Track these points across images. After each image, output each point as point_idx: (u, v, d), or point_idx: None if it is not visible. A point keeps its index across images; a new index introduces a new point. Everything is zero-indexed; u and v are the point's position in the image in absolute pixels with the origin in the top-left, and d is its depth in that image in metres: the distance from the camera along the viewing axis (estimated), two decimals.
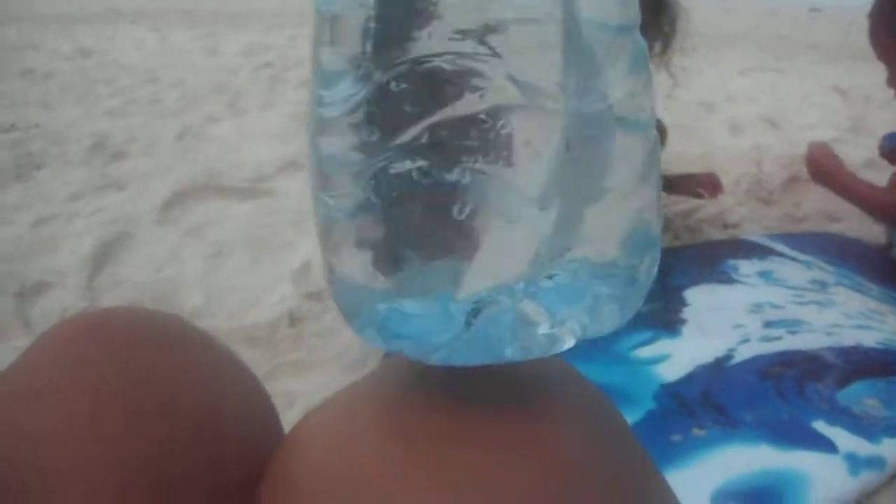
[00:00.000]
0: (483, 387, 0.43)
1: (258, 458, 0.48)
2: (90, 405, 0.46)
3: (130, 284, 2.00)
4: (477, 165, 0.36)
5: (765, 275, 1.86)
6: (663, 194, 2.26)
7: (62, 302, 1.89)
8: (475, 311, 0.38)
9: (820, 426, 1.39)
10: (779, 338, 1.62)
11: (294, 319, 1.81)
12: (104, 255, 2.12)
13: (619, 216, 0.40)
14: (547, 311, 0.39)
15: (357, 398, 0.45)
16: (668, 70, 2.04)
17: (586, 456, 0.40)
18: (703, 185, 2.27)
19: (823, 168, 2.14)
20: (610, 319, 0.42)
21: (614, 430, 0.45)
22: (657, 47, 1.98)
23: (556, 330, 0.40)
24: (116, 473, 0.44)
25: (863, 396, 1.48)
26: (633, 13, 0.40)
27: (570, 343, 0.41)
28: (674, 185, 2.26)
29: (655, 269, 0.44)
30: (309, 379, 1.62)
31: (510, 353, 0.39)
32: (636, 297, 0.43)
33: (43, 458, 0.43)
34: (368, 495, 0.38)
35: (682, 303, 1.75)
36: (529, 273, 0.37)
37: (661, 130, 2.19)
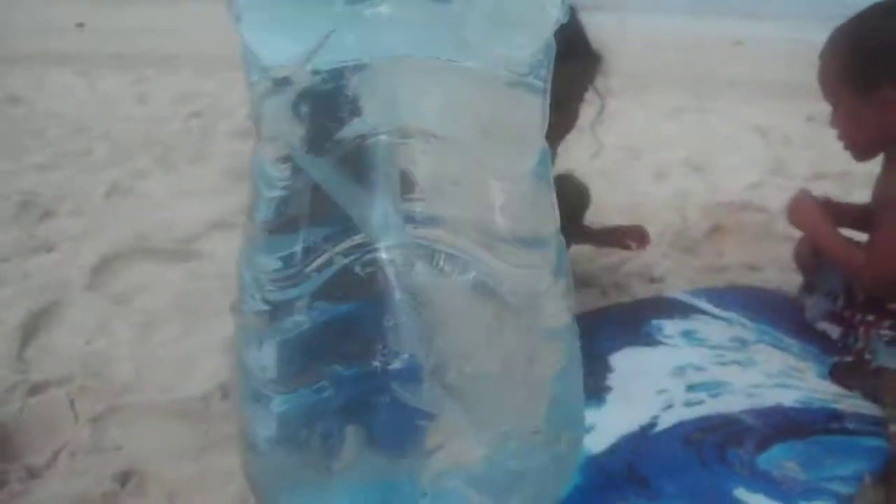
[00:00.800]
0: None
1: None
2: None
3: (61, 357, 1.98)
4: None
5: (687, 334, 1.89)
6: (590, 248, 2.30)
7: None
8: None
9: (740, 493, 1.42)
10: (701, 402, 1.65)
11: (227, 391, 1.81)
12: (33, 326, 2.10)
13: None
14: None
15: None
16: (592, 130, 2.06)
17: None
18: (630, 236, 2.30)
19: (806, 219, 2.10)
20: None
21: None
22: (580, 94, 1.99)
23: None
24: None
25: (782, 459, 1.51)
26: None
27: None
28: (601, 238, 2.29)
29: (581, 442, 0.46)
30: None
31: None
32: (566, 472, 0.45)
33: None
34: None
35: (608, 369, 1.77)
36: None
37: (585, 193, 2.23)
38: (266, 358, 0.41)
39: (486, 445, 0.41)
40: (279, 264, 0.39)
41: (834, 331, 1.91)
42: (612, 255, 2.34)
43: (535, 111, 0.42)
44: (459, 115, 0.40)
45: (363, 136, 0.38)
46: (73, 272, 2.39)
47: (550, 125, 2.04)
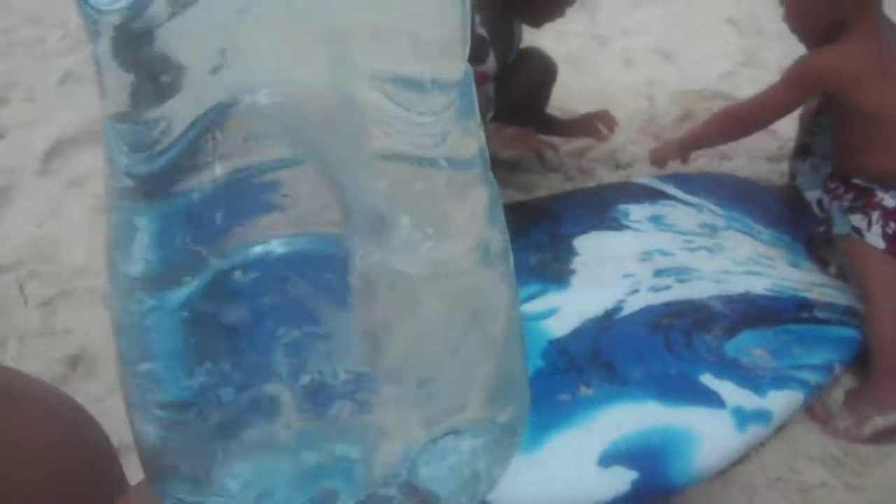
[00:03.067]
0: None
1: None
2: None
3: (11, 241, 1.94)
4: None
5: (655, 219, 1.84)
6: (556, 139, 2.25)
7: None
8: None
9: (707, 380, 1.40)
10: (668, 287, 1.61)
11: None
12: None
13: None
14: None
15: None
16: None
17: None
18: (597, 121, 2.25)
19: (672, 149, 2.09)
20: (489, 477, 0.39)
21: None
22: None
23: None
24: None
25: (751, 346, 1.48)
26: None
27: None
28: (567, 128, 2.23)
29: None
30: None
31: None
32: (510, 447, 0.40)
33: None
34: None
35: (572, 252, 1.72)
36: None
37: (552, 67, 2.16)
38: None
39: (427, 428, 0.36)
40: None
41: (822, 198, 1.86)
42: (578, 142, 2.27)
43: None
44: None
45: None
46: (25, 158, 2.33)
47: (542, 8, 2.00)
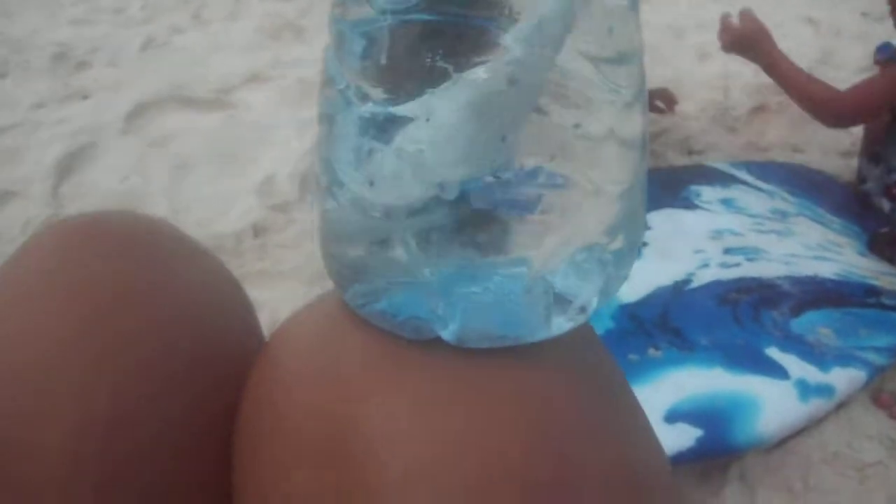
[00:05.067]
0: None
1: (242, 359, 0.49)
2: (86, 320, 0.45)
3: (95, 193, 1.99)
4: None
5: (727, 202, 1.87)
6: None
7: (27, 211, 1.89)
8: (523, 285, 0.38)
9: (773, 352, 1.42)
10: (737, 264, 1.64)
11: (258, 230, 1.81)
12: (68, 165, 2.11)
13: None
14: (575, 288, 0.40)
15: (337, 308, 0.45)
16: None
17: (570, 407, 0.40)
18: (660, 99, 2.27)
19: (753, 38, 2.11)
20: (609, 294, 0.42)
21: (606, 384, 0.45)
22: None
23: (583, 305, 0.40)
24: (111, 386, 0.44)
25: (816, 325, 1.50)
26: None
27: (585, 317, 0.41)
28: None
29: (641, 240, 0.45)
30: (274, 288, 1.63)
31: (543, 331, 0.40)
32: (626, 270, 0.43)
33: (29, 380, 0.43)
34: (344, 410, 0.38)
35: (644, 226, 1.74)
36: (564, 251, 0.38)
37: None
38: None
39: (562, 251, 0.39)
40: None
41: (887, 205, 1.88)
42: (650, 125, 2.30)
43: None
44: None
45: None
46: (108, 117, 2.38)
47: None
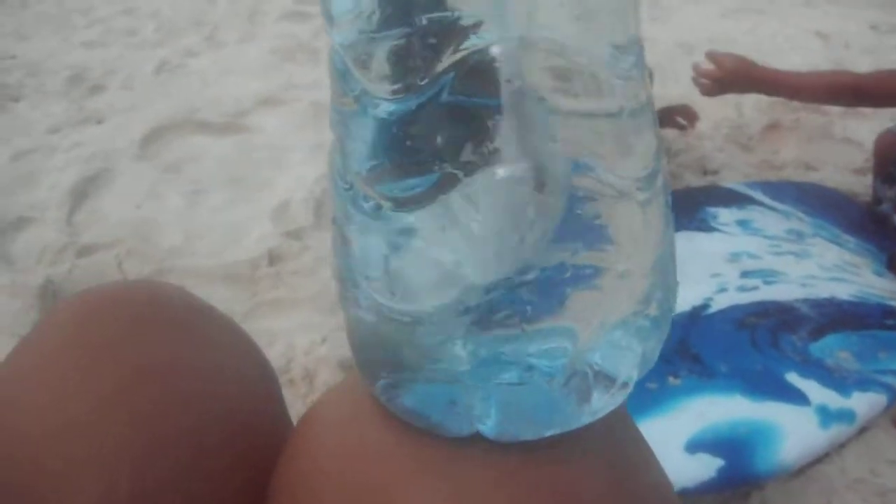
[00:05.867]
0: None
1: (269, 435, 0.49)
2: (111, 392, 0.45)
3: (110, 221, 2.00)
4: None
5: (743, 223, 1.86)
6: None
7: (43, 238, 1.90)
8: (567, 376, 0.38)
9: (793, 378, 1.41)
10: (755, 288, 1.63)
11: (273, 258, 1.81)
12: (83, 191, 2.12)
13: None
14: (616, 364, 0.39)
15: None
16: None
17: (600, 493, 0.40)
18: (681, 115, 2.27)
19: (744, 72, 2.11)
20: (650, 361, 0.42)
21: (635, 463, 0.45)
22: None
23: (626, 380, 0.40)
24: (133, 463, 0.43)
25: (835, 349, 1.49)
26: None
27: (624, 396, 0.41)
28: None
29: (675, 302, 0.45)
30: (289, 317, 1.63)
31: (586, 416, 0.39)
32: (663, 333, 0.43)
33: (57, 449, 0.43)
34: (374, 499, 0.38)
35: (676, 284, 1.73)
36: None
37: (649, 73, 2.18)
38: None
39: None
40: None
41: None
42: (665, 145, 2.29)
43: None
44: None
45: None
46: (123, 142, 2.40)
47: None
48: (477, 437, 0.39)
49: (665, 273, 0.42)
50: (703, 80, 2.12)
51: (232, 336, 0.55)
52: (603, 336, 0.38)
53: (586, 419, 0.39)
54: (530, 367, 0.37)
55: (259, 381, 0.55)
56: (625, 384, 0.40)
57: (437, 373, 0.38)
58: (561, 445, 0.40)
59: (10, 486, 0.43)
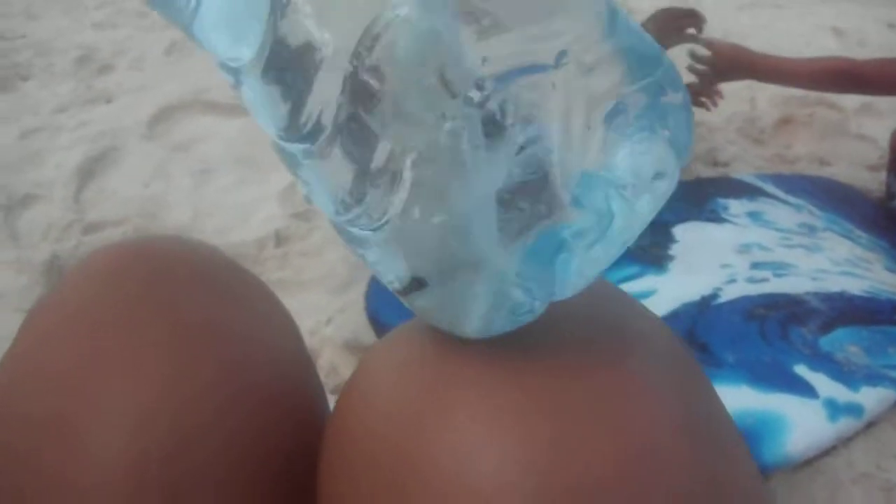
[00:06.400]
0: (557, 331, 0.41)
1: (306, 418, 0.49)
2: (136, 351, 0.44)
3: (117, 199, 1.99)
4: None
5: (754, 215, 1.85)
6: None
7: (49, 215, 1.89)
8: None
9: (801, 370, 1.40)
10: (765, 279, 1.62)
11: (280, 239, 1.81)
12: (91, 169, 2.11)
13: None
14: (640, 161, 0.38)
15: (416, 334, 0.43)
16: None
17: (669, 414, 0.38)
18: (701, 94, 2.26)
19: (740, 58, 2.11)
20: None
21: (699, 388, 0.43)
22: None
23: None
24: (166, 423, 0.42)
25: (845, 343, 1.48)
26: None
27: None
28: None
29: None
30: (294, 298, 1.62)
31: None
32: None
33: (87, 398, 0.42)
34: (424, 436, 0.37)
35: (671, 239, 1.74)
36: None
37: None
38: None
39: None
40: None
41: None
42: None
43: None
44: None
45: None
46: (131, 122, 2.38)
47: None
48: (517, 362, 0.38)
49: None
50: (700, 67, 2.11)
51: (268, 303, 0.55)
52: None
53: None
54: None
55: (296, 352, 0.55)
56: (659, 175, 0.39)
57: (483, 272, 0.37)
58: (606, 357, 0.40)
59: (47, 413, 0.42)
